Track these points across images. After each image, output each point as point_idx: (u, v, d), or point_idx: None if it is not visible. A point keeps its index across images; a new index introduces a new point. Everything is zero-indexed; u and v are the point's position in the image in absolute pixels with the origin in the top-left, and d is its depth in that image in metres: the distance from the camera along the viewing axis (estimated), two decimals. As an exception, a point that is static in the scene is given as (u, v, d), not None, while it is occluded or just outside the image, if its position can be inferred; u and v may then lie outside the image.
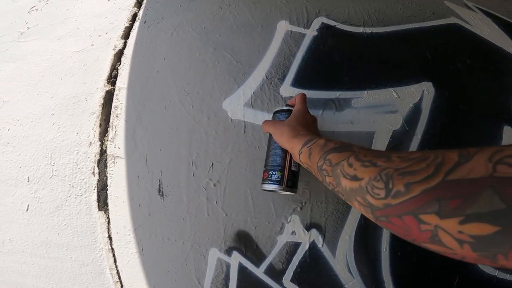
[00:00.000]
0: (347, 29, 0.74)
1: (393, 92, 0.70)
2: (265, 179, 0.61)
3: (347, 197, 0.35)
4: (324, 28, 0.74)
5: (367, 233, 0.68)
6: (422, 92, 0.69)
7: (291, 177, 0.59)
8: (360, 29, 0.73)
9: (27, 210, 0.78)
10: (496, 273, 0.65)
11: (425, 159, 0.27)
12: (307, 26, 0.75)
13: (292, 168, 0.60)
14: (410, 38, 0.73)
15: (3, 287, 0.88)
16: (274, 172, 0.59)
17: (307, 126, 0.56)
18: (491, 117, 0.68)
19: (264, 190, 0.62)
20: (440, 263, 0.65)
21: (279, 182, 0.59)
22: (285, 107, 0.63)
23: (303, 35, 0.74)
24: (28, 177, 0.76)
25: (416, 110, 0.69)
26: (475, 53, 0.72)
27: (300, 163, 0.53)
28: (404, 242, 0.67)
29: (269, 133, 0.63)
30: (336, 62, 0.72)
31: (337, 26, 0.74)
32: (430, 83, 0.69)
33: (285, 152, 0.59)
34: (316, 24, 0.75)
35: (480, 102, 0.69)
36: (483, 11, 0.76)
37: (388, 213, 0.28)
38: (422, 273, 0.66)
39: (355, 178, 0.33)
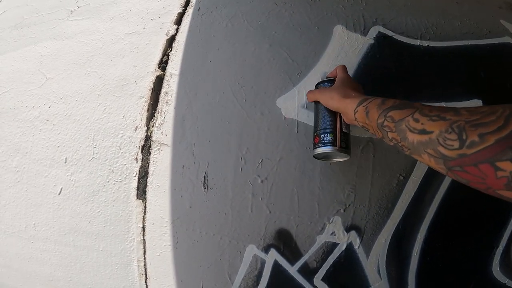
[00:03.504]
0: (405, 41, 0.75)
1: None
2: (317, 143, 0.60)
3: (413, 150, 0.36)
4: (381, 37, 0.76)
5: (403, 237, 0.71)
6: (471, 109, 0.72)
7: (344, 138, 0.58)
8: (417, 42, 0.75)
9: (59, 193, 0.74)
10: (506, 281, 0.70)
11: (494, 112, 0.29)
12: (364, 33, 0.76)
13: (343, 130, 0.59)
14: (465, 54, 0.75)
15: (14, 274, 0.83)
16: (326, 135, 0.58)
17: (355, 89, 0.56)
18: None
19: (316, 154, 0.61)
20: (461, 268, 0.70)
21: (332, 144, 0.58)
22: (326, 78, 0.63)
23: (360, 42, 0.76)
24: (66, 158, 0.72)
25: (462, 125, 0.72)
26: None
27: (355, 122, 0.51)
28: (436, 248, 0.71)
29: (315, 102, 0.63)
30: (392, 72, 0.74)
31: (394, 36, 0.76)
32: (480, 101, 0.71)
33: (334, 115, 0.59)
34: (373, 32, 0.76)
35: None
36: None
37: (463, 163, 0.30)
38: (443, 278, 0.70)
39: (423, 132, 0.34)
